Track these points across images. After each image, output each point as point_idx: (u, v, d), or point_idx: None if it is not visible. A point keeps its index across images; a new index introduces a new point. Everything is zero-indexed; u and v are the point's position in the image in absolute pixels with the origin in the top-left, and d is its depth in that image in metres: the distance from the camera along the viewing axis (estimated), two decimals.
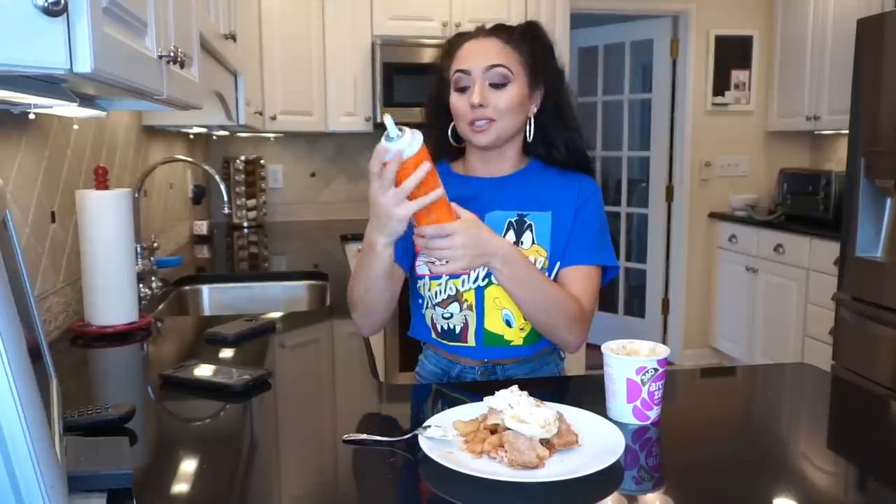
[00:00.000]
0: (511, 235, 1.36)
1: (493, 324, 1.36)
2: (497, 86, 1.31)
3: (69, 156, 1.80)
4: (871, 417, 1.23)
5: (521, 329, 1.37)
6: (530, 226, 1.37)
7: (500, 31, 1.36)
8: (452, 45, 1.38)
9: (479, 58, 1.32)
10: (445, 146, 1.43)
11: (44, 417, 0.61)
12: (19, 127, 1.51)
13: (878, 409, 1.32)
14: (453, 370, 1.42)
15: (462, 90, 1.33)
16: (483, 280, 1.34)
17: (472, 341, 1.37)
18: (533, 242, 1.36)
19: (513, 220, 1.37)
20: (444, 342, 1.40)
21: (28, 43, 0.74)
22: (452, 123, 1.39)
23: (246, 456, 1.02)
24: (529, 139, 1.38)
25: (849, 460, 1.04)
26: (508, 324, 1.36)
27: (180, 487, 0.93)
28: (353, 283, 1.34)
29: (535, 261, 1.34)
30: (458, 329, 1.38)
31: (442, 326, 1.39)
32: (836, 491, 0.96)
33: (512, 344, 1.37)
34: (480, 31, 1.37)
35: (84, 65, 0.79)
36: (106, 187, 1.68)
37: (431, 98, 1.43)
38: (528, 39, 1.35)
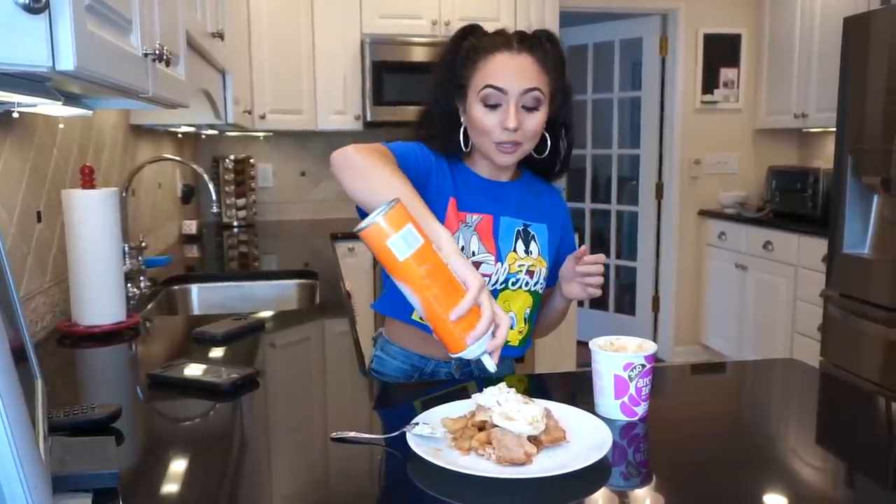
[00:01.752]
0: (521, 244, 1.37)
1: None
2: (529, 108, 1.28)
3: (55, 155, 1.79)
4: (858, 413, 1.23)
5: (520, 332, 1.41)
6: (534, 236, 1.39)
7: (531, 47, 1.30)
8: (476, 52, 1.31)
9: (515, 78, 1.27)
10: (452, 149, 1.37)
11: (27, 417, 0.61)
12: (3, 126, 1.50)
13: (865, 405, 1.33)
14: (427, 367, 1.42)
15: (492, 107, 1.28)
16: (501, 284, 1.35)
17: None
18: (539, 253, 1.39)
19: (520, 228, 1.38)
20: None
21: (9, 41, 0.73)
22: (463, 128, 1.34)
23: (235, 455, 1.02)
24: (544, 155, 1.37)
25: (837, 456, 1.04)
26: (510, 326, 1.36)
27: (168, 487, 0.92)
28: (367, 169, 1.21)
29: (539, 271, 1.38)
30: None
31: None
32: (825, 486, 0.97)
33: (509, 344, 1.38)
34: (509, 44, 1.30)
35: (67, 63, 0.78)
36: (92, 186, 1.67)
37: (438, 101, 1.36)
38: (552, 57, 1.32)
